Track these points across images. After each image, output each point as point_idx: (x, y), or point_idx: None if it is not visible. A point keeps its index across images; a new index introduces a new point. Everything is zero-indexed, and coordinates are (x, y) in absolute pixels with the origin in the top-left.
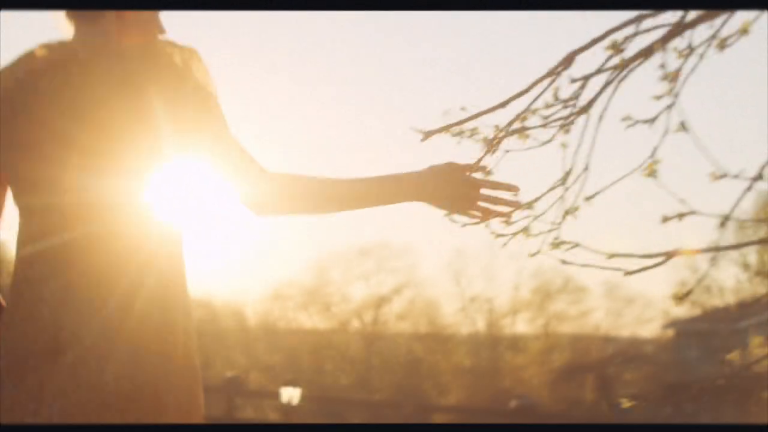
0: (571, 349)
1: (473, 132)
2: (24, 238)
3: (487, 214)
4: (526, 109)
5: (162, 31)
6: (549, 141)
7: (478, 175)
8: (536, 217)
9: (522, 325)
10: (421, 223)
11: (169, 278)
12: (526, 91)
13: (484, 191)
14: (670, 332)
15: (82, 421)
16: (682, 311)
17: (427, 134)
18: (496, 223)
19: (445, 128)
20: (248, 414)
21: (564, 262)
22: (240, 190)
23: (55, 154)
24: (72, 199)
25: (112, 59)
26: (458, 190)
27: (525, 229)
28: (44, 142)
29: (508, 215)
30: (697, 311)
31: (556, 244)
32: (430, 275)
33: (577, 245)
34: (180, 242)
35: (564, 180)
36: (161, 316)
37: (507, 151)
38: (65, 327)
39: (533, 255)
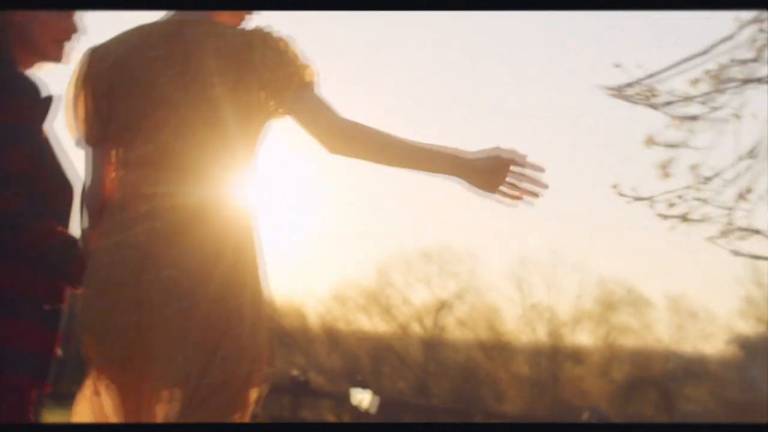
0: (631, 362)
1: (651, 93)
2: (118, 188)
3: (515, 194)
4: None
5: (245, 17)
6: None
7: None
8: (704, 201)
9: (583, 336)
10: (484, 227)
11: (241, 248)
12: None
13: (514, 168)
14: (735, 348)
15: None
16: (749, 328)
17: (617, 91)
18: (661, 205)
19: (631, 86)
20: (313, 415)
21: (736, 253)
22: (320, 127)
23: (159, 116)
24: (165, 158)
25: (214, 38)
26: (497, 175)
27: (685, 216)
28: (151, 104)
29: (534, 194)
30: (763, 328)
31: (728, 231)
32: (491, 281)
33: (756, 232)
34: (253, 217)
35: (752, 155)
36: (232, 274)
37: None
38: (147, 273)
39: (708, 240)
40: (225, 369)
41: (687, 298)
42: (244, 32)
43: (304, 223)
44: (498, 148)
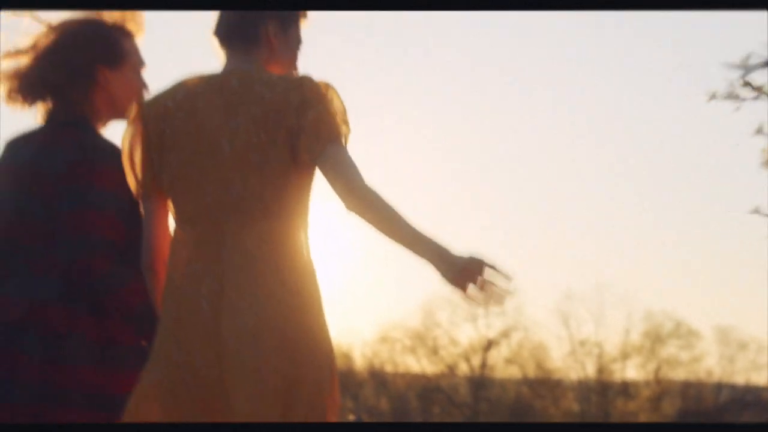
0: (683, 396)
1: None
2: (180, 242)
3: (479, 299)
4: None
5: (296, 67)
6: None
7: (495, 275)
8: None
9: (632, 371)
10: (528, 263)
11: (310, 292)
12: None
13: (486, 273)
14: None
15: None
16: None
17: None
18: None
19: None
20: None
21: None
22: (340, 185)
23: (210, 165)
24: (220, 208)
25: (260, 86)
26: (469, 275)
27: None
28: (199, 156)
29: (499, 301)
30: None
31: None
32: (538, 318)
33: None
34: (309, 253)
35: None
36: (293, 315)
37: None
38: (223, 320)
39: None
40: (306, 414)
41: (736, 329)
42: (288, 79)
43: (347, 265)
44: (478, 253)
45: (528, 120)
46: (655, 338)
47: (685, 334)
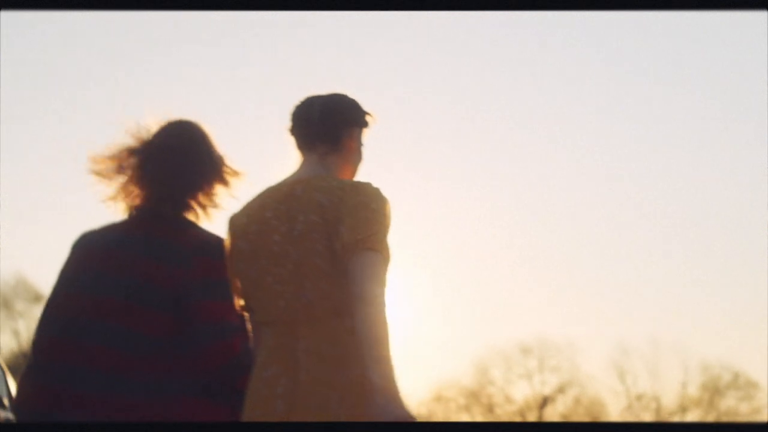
0: None
1: None
2: (259, 346)
3: None
4: None
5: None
6: None
7: None
8: None
9: None
10: (581, 317)
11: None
12: None
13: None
14: None
15: None
16: None
17: None
18: None
19: None
20: None
21: None
22: (354, 291)
23: (280, 272)
24: (293, 312)
25: (320, 193)
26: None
27: None
28: (271, 262)
29: None
30: None
31: None
32: (593, 372)
33: None
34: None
35: None
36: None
37: None
38: (295, 418)
39: None
40: None
41: None
42: (346, 185)
43: (397, 324)
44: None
45: (577, 169)
46: (714, 390)
47: (743, 385)
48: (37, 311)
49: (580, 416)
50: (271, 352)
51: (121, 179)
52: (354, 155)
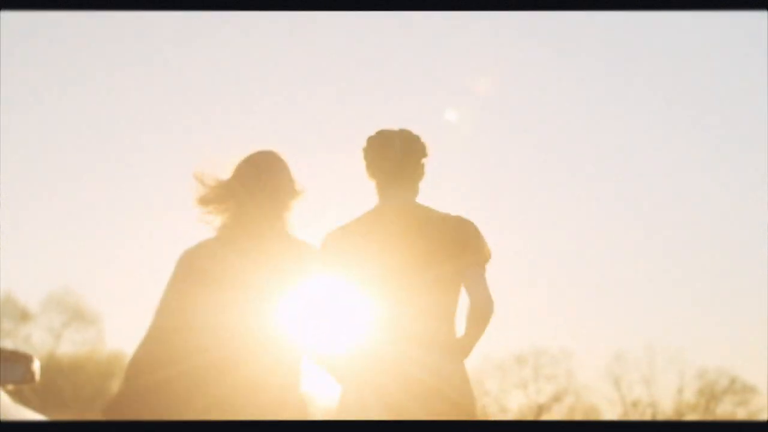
0: None
1: None
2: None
3: None
4: None
5: None
6: None
7: None
8: None
9: None
10: (576, 326)
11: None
12: None
13: None
14: None
15: None
16: None
17: None
18: None
19: None
20: None
21: None
22: (472, 299)
23: (396, 278)
24: (409, 315)
25: (437, 220)
26: None
27: None
28: (385, 269)
29: None
30: None
31: None
32: (588, 381)
33: None
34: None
35: None
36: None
37: None
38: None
39: None
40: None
41: None
42: (452, 218)
43: None
44: None
45: (573, 180)
46: (710, 396)
47: (740, 389)
48: (24, 330)
49: None
50: (381, 365)
51: (220, 203)
52: (421, 180)
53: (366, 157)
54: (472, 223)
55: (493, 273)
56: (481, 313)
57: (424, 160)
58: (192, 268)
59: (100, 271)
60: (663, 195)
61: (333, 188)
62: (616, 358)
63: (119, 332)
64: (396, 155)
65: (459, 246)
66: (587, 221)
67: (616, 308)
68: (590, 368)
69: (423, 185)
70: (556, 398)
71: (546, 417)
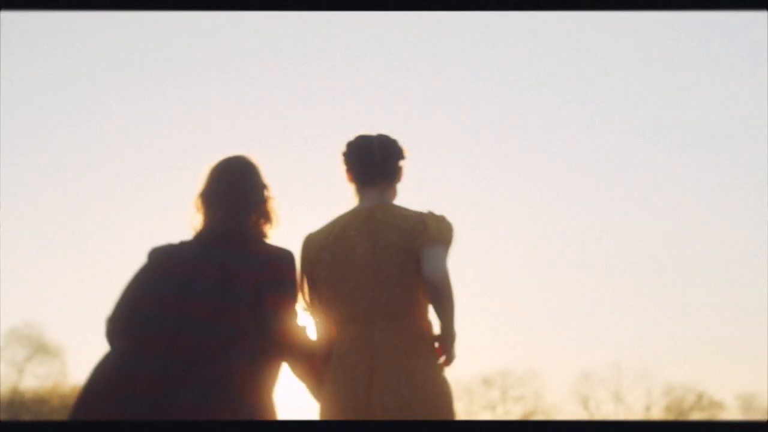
0: None
1: None
2: (339, 339)
3: None
4: None
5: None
6: None
7: None
8: None
9: None
10: (543, 346)
11: (433, 368)
12: None
13: None
14: None
15: None
16: None
17: None
18: None
19: None
20: None
21: None
22: (425, 271)
23: (360, 278)
24: (373, 311)
25: (399, 219)
26: None
27: None
28: (352, 270)
29: None
30: None
31: None
32: (556, 401)
33: None
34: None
35: None
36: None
37: None
38: (374, 398)
39: None
40: None
41: (759, 395)
42: (415, 213)
43: None
44: None
45: (544, 193)
46: (678, 412)
47: (707, 405)
48: None
49: None
50: (351, 344)
51: (197, 213)
52: (399, 182)
53: (345, 162)
54: (433, 213)
55: (458, 295)
56: (431, 285)
57: (401, 163)
58: (158, 264)
59: (63, 304)
60: (628, 214)
61: (315, 191)
62: (583, 377)
63: (83, 366)
64: (374, 159)
65: (418, 236)
66: (551, 242)
67: (580, 327)
68: (558, 388)
69: (401, 186)
70: (525, 418)
71: None
